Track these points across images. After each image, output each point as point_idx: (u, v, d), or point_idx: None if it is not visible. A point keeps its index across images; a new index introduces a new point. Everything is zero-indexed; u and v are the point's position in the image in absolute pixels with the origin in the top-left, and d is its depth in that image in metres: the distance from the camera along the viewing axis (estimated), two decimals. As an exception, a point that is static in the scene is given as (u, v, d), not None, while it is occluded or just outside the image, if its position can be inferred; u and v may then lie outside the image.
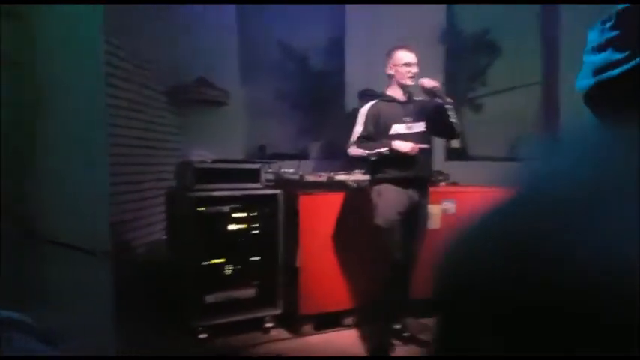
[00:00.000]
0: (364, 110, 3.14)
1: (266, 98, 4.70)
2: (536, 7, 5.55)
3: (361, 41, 4.68)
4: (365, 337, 3.27)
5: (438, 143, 4.97)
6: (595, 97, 0.74)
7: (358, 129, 3.11)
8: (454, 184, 4.27)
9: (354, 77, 4.65)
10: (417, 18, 4.76)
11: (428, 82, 3.02)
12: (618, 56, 0.71)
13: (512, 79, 5.37)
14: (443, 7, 5.05)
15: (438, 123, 3.06)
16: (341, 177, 3.62)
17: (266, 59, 4.74)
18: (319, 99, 4.67)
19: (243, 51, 4.57)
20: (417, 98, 3.18)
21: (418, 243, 3.13)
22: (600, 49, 0.75)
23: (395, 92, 3.13)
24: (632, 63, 0.67)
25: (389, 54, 3.13)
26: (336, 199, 3.46)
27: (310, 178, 3.65)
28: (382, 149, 2.99)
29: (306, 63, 4.77)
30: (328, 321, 3.40)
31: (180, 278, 3.20)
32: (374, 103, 3.14)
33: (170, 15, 3.97)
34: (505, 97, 5.34)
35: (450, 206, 3.76)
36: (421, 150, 3.05)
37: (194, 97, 4.19)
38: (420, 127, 3.10)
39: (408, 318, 3.28)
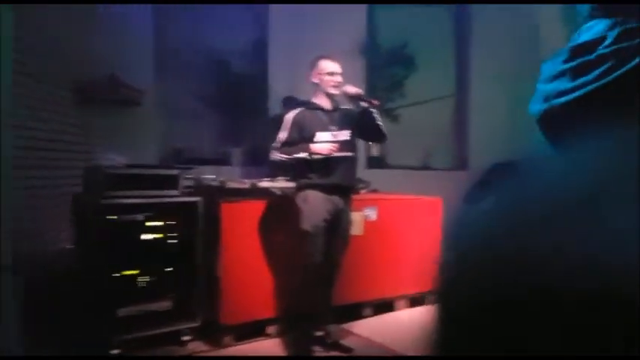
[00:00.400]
0: (289, 117, 3.14)
1: (184, 100, 4.49)
2: (450, 23, 5.86)
3: (285, 45, 4.65)
4: (287, 345, 3.20)
5: (359, 151, 5.08)
6: (545, 121, 0.83)
7: (282, 135, 3.10)
8: (375, 191, 4.35)
9: (278, 81, 4.60)
10: (339, 28, 4.83)
11: (351, 89, 3.11)
12: (568, 85, 0.80)
13: (428, 91, 5.60)
14: (364, 18, 5.16)
15: (365, 127, 3.14)
16: (265, 184, 3.54)
17: (184, 59, 4.53)
18: (241, 103, 4.54)
19: (160, 50, 4.35)
20: (342, 107, 3.22)
21: (342, 250, 3.15)
22: (553, 78, 0.85)
23: (320, 101, 3.16)
24: (579, 92, 0.76)
25: (313, 63, 3.17)
26: (260, 206, 3.38)
27: (232, 184, 3.53)
28: (302, 155, 3.01)
29: (227, 65, 4.62)
30: (250, 331, 3.30)
31: (90, 291, 2.94)
32: (299, 111, 3.14)
33: (82, 11, 3.69)
34: (421, 109, 5.56)
35: (371, 213, 3.82)
36: (345, 158, 3.08)
37: (105, 97, 3.90)
38: (344, 135, 3.13)
39: (330, 324, 3.27)
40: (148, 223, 3.11)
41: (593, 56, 0.76)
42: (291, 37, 4.60)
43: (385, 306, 3.96)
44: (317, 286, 3.11)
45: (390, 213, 3.97)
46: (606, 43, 0.75)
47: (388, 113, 5.49)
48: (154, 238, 3.13)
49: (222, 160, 4.42)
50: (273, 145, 3.11)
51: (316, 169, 3.05)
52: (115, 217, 2.96)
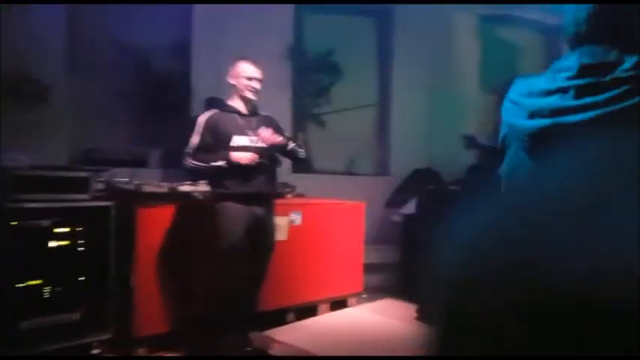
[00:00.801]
0: (202, 120, 3.00)
1: (97, 98, 4.21)
2: (374, 35, 6.01)
3: (209, 45, 4.52)
4: (206, 355, 3.09)
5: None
6: (542, 136, 0.83)
7: (194, 140, 2.96)
8: (300, 195, 4.35)
9: (201, 82, 4.46)
10: (266, 30, 4.79)
11: (267, 140, 2.96)
12: (572, 103, 0.81)
13: (353, 99, 5.71)
14: (291, 22, 5.16)
15: (288, 156, 3.21)
16: (185, 188, 3.40)
17: (100, 55, 4.27)
18: (161, 103, 4.35)
19: (72, 45, 4.07)
20: (261, 113, 3.15)
21: (266, 259, 3.11)
22: (548, 94, 0.85)
23: (236, 104, 3.07)
24: (590, 113, 0.77)
25: (232, 63, 3.06)
26: (178, 211, 3.24)
27: (149, 188, 3.36)
28: (220, 162, 2.88)
29: (147, 63, 4.40)
30: (164, 342, 3.15)
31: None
32: (213, 114, 3.02)
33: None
34: (346, 116, 5.65)
35: (296, 217, 3.81)
36: (264, 165, 3.01)
37: (8, 91, 3.59)
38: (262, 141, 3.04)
39: (252, 332, 3.20)
40: (55, 230, 2.89)
41: (607, 78, 0.77)
42: (215, 37, 4.49)
43: (308, 310, 3.95)
44: (240, 295, 3.04)
45: (314, 217, 3.98)
46: (624, 67, 0.76)
47: (314, 119, 5.52)
48: (62, 246, 2.92)
49: (138, 162, 4.19)
50: (186, 150, 2.96)
51: (234, 177, 2.94)
52: (19, 222, 2.72)
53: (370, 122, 6.00)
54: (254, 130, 3.02)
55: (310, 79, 5.42)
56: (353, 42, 5.75)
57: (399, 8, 5.65)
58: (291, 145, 3.14)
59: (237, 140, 2.97)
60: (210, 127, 2.96)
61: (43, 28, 3.79)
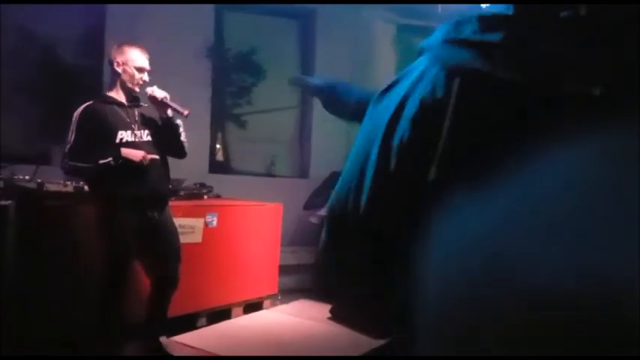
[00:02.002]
0: (77, 114, 2.66)
1: (-2, 88, 3.90)
2: (296, 37, 6.05)
3: (123, 37, 4.31)
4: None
5: (202, 154, 4.95)
6: None
7: (71, 139, 2.62)
8: (217, 196, 4.29)
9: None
10: (185, 27, 4.67)
11: (158, 93, 2.77)
12: None
13: (274, 100, 5.71)
14: (212, 18, 5.07)
15: (165, 139, 2.85)
16: (92, 187, 3.23)
17: (2, 44, 3.94)
18: (68, 96, 4.08)
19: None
20: (143, 104, 2.89)
21: (172, 261, 2.94)
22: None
23: (118, 95, 2.78)
24: None
25: (120, 48, 2.75)
26: (85, 212, 3.07)
27: (53, 187, 3.16)
28: (105, 160, 2.58)
29: (53, 54, 4.12)
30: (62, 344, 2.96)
31: None
32: (88, 105, 2.68)
33: None
34: (267, 117, 5.64)
35: (212, 219, 3.75)
36: (154, 163, 2.76)
37: None
38: (147, 135, 2.81)
39: (162, 337, 3.10)
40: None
41: None
42: (130, 29, 4.31)
43: (221, 314, 3.91)
44: (151, 299, 2.93)
45: (231, 219, 3.94)
46: None
47: (234, 119, 5.46)
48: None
49: (40, 159, 3.92)
50: (64, 151, 2.62)
51: (123, 178, 2.62)
52: None
53: (291, 124, 6.04)
54: (136, 123, 2.76)
55: (231, 79, 5.35)
56: (276, 43, 5.76)
57: (321, 11, 5.73)
58: (179, 124, 2.85)
59: (122, 135, 2.68)
60: (89, 120, 2.64)
61: None
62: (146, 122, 2.83)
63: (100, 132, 2.66)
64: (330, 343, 3.54)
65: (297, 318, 4.08)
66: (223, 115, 5.36)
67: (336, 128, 5.91)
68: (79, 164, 2.61)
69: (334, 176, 5.48)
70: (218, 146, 5.36)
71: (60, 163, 2.68)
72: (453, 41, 0.76)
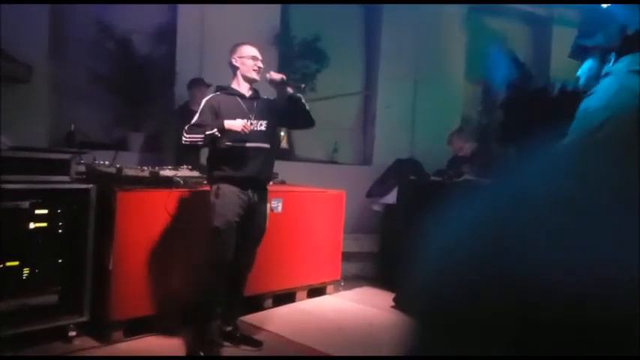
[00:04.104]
0: (203, 101, 3.02)
1: (79, 79, 4.17)
2: (362, 24, 6.00)
3: (194, 30, 4.49)
4: (183, 340, 3.12)
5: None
6: None
7: (194, 119, 2.96)
8: (282, 182, 4.37)
9: (185, 67, 4.44)
10: (253, 17, 4.76)
11: (275, 75, 3.04)
12: None
13: (338, 87, 5.71)
14: (278, 9, 5.13)
15: (293, 113, 3.08)
16: (166, 172, 3.41)
17: (83, 37, 4.21)
18: (144, 86, 4.31)
19: (55, 26, 4.01)
20: (263, 96, 3.15)
21: (255, 245, 3.12)
22: None
23: (239, 86, 3.05)
24: None
25: (234, 49, 3.06)
26: (159, 196, 3.25)
27: (130, 172, 3.35)
28: (212, 131, 2.83)
29: (129, 47, 4.35)
30: (141, 326, 3.17)
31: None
32: (214, 95, 3.03)
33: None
34: (330, 104, 5.65)
35: (277, 205, 3.83)
36: (261, 150, 3.00)
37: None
38: (262, 125, 3.04)
39: (238, 318, 3.24)
40: (34, 211, 2.89)
41: None
42: (201, 22, 4.46)
43: (286, 296, 4.01)
44: (227, 281, 3.02)
45: (295, 205, 4.01)
46: None
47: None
48: (41, 227, 2.92)
49: (119, 146, 4.18)
50: (185, 128, 2.94)
51: (232, 160, 2.92)
52: (-3, 203, 2.72)
53: (354, 111, 6.02)
54: (255, 114, 3.02)
55: (296, 66, 5.40)
56: (340, 29, 5.74)
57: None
58: (301, 97, 3.08)
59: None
60: (212, 108, 2.95)
61: (25, 8, 3.73)
62: (263, 114, 3.05)
63: (219, 118, 2.92)
64: (392, 331, 3.54)
65: (359, 304, 4.11)
66: (288, 103, 5.42)
67: (399, 116, 5.84)
68: (191, 135, 2.88)
69: (398, 164, 5.42)
70: (282, 134, 5.45)
71: (181, 139, 2.94)
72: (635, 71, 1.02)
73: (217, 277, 2.94)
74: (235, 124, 2.84)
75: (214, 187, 2.96)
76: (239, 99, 3.02)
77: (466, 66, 6.35)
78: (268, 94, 3.24)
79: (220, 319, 3.06)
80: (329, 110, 5.63)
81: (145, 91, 4.20)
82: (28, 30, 3.76)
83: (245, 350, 3.09)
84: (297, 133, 5.56)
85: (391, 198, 4.89)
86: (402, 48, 5.71)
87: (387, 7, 5.74)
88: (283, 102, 3.10)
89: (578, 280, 0.34)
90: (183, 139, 2.91)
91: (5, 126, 3.20)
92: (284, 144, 5.45)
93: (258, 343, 3.13)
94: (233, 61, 3.03)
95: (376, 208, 5.09)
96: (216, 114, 2.94)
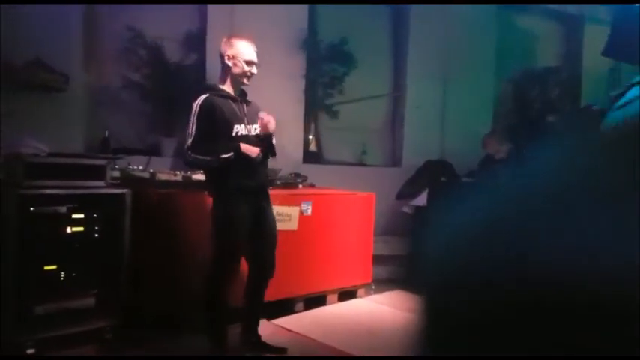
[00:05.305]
0: (196, 107, 2.73)
1: (113, 87, 4.27)
2: (389, 25, 5.96)
3: (224, 35, 4.52)
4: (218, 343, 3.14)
5: (296, 145, 5.07)
6: None
7: (192, 131, 2.70)
8: (311, 185, 4.38)
9: (215, 72, 4.46)
10: (281, 22, 4.78)
11: (272, 127, 2.82)
12: None
13: (365, 89, 5.68)
14: (305, 13, 5.15)
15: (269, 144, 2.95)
16: (199, 176, 3.46)
17: (115, 45, 4.31)
18: (174, 92, 4.38)
19: (89, 33, 4.12)
20: (248, 99, 3.00)
21: (272, 248, 3.03)
22: None
23: (228, 87, 2.85)
24: None
25: (228, 42, 2.83)
26: (193, 199, 3.29)
27: (163, 176, 3.42)
28: (228, 155, 2.68)
29: (162, 53, 4.43)
30: (173, 326, 3.20)
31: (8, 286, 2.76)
32: (207, 97, 2.75)
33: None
34: (358, 106, 5.63)
35: (307, 208, 3.83)
36: (266, 157, 2.91)
37: (26, 80, 3.65)
38: (257, 129, 2.89)
39: (259, 323, 3.22)
40: (71, 216, 2.96)
41: None
42: (230, 27, 4.50)
43: (317, 300, 4.00)
44: (247, 289, 3.01)
45: (325, 208, 4.00)
46: None
47: (327, 109, 5.52)
48: (78, 232, 2.99)
49: (152, 151, 4.25)
50: (187, 144, 2.71)
51: (239, 170, 2.74)
52: (37, 208, 2.79)
53: (383, 113, 5.98)
54: (248, 117, 2.86)
55: (323, 69, 5.40)
56: (367, 31, 5.71)
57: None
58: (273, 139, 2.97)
59: (237, 129, 2.80)
60: (208, 113, 2.72)
61: (60, 16, 3.84)
62: (253, 117, 2.92)
63: (218, 125, 2.74)
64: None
65: (391, 308, 4.07)
66: (316, 106, 5.43)
67: (429, 116, 5.77)
68: (202, 157, 2.70)
69: (429, 166, 5.36)
70: (311, 137, 5.46)
71: (183, 155, 2.77)
72: None
73: (225, 288, 2.87)
74: (252, 153, 2.75)
75: (222, 201, 2.78)
76: (231, 101, 2.83)
77: (496, 64, 6.24)
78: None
79: (241, 327, 3.03)
80: (357, 112, 5.61)
81: (176, 97, 4.26)
82: (64, 40, 3.86)
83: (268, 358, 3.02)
84: (326, 137, 5.56)
85: (421, 200, 4.83)
86: (431, 48, 5.65)
87: (414, 7, 5.69)
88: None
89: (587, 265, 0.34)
90: (190, 158, 2.71)
91: (43, 133, 3.30)
92: (313, 147, 5.46)
93: (280, 350, 3.04)
94: (225, 58, 2.81)
95: (406, 210, 5.04)
96: (214, 119, 2.74)
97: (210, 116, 2.73)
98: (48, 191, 2.85)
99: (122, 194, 3.11)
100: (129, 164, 3.51)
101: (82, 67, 4.04)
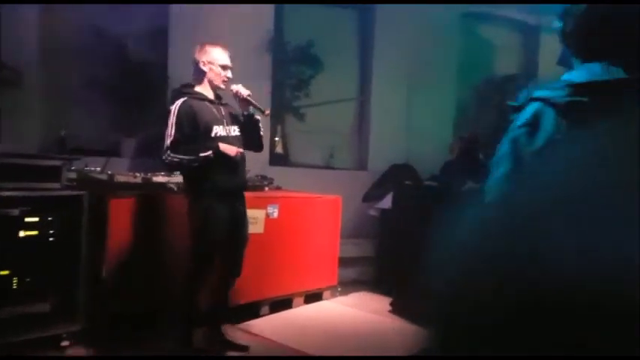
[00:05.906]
0: (174, 109, 2.77)
1: (70, 84, 4.10)
2: (355, 29, 6.00)
3: (187, 34, 4.45)
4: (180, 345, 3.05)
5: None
6: None
7: (172, 132, 2.73)
8: (278, 188, 4.33)
9: (177, 72, 4.38)
10: (246, 22, 4.73)
11: (243, 91, 2.88)
12: None
13: (332, 92, 5.69)
14: (272, 14, 5.11)
15: (248, 134, 2.99)
16: (159, 178, 3.36)
17: (73, 41, 4.15)
18: (136, 91, 4.25)
19: (47, 31, 3.96)
20: (224, 102, 3.03)
21: (242, 251, 3.04)
22: None
23: (206, 91, 2.91)
24: None
25: (203, 49, 2.89)
26: (153, 202, 3.20)
27: (122, 178, 3.30)
28: (207, 153, 2.71)
29: (122, 50, 4.30)
30: (133, 332, 3.10)
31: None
32: (185, 100, 2.80)
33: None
34: (325, 109, 5.63)
35: (273, 210, 3.79)
36: (242, 155, 2.92)
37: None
38: (236, 130, 2.95)
39: (225, 324, 3.18)
40: (25, 219, 2.83)
41: None
42: (193, 26, 4.42)
43: (283, 303, 3.95)
44: (214, 289, 3.01)
45: (291, 210, 3.97)
46: None
47: (294, 111, 5.50)
48: (32, 235, 2.85)
49: (111, 151, 4.11)
50: (166, 144, 2.71)
51: (217, 171, 2.77)
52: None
53: (350, 116, 6.01)
54: (226, 118, 2.91)
55: (290, 71, 5.38)
56: (334, 34, 5.73)
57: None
58: (260, 121, 3.01)
59: (216, 130, 2.83)
60: (187, 115, 2.76)
61: (16, 14, 3.68)
62: (233, 119, 2.97)
63: (197, 127, 2.78)
64: (393, 336, 3.49)
65: (357, 310, 4.06)
66: (283, 108, 5.40)
67: (395, 120, 5.82)
68: (181, 156, 2.71)
69: (394, 170, 5.40)
70: (277, 139, 5.41)
71: (162, 156, 2.75)
72: None
73: (201, 287, 2.89)
74: (230, 151, 2.78)
75: (203, 202, 2.79)
76: (209, 104, 2.88)
77: (458, 72, 6.36)
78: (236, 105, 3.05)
79: (206, 327, 3.02)
80: (324, 115, 5.61)
81: (137, 95, 4.14)
82: (18, 35, 3.70)
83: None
84: (293, 139, 5.53)
85: (387, 203, 4.86)
86: (396, 53, 5.71)
87: (380, 10, 5.74)
88: (244, 116, 2.97)
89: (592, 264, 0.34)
90: (169, 158, 2.70)
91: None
92: (279, 149, 5.42)
93: (243, 348, 3.06)
94: (200, 64, 2.87)
95: (372, 212, 5.06)
96: (194, 121, 2.77)
97: (189, 118, 2.77)
98: (0, 193, 2.71)
99: (79, 196, 2.99)
100: (86, 165, 3.37)
101: (37, 62, 3.87)
